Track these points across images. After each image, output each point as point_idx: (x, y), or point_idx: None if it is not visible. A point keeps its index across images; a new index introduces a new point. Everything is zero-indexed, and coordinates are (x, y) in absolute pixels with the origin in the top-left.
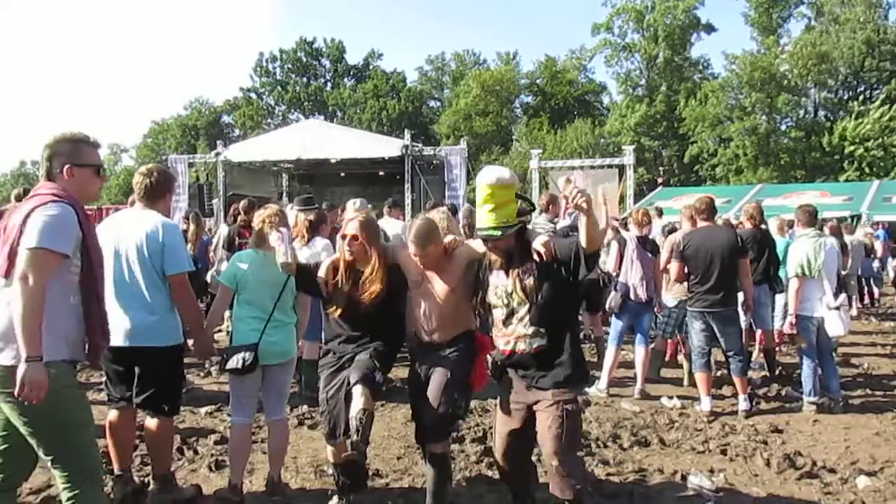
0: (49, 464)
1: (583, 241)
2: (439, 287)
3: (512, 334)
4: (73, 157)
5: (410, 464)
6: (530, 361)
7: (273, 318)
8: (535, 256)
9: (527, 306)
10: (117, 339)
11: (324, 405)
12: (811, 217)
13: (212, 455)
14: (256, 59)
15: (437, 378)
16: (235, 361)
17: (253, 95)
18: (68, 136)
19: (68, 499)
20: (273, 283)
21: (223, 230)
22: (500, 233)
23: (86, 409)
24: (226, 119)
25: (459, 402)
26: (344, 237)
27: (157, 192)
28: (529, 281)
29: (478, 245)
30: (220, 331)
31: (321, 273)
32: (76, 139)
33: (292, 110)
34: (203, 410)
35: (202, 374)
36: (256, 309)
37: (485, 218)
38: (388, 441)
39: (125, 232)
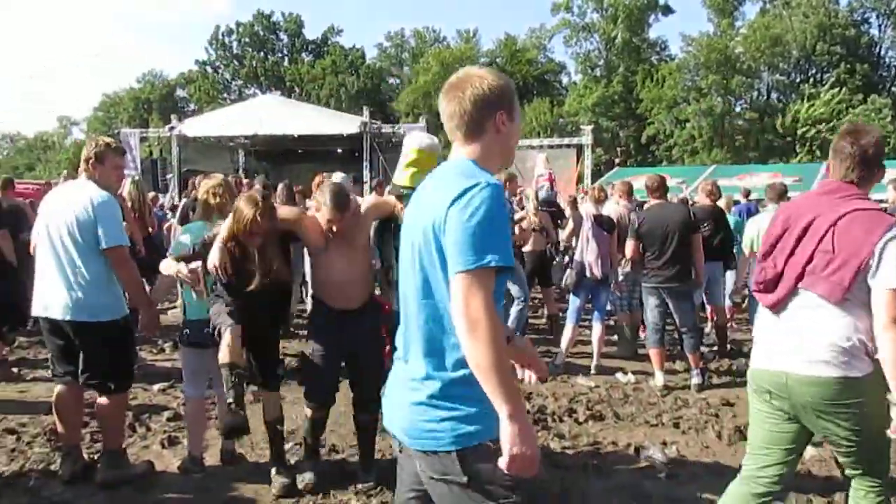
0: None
1: None
2: (350, 251)
3: None
4: None
5: None
6: None
7: None
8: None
9: None
10: (55, 312)
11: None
12: (777, 194)
13: (164, 432)
14: (212, 32)
15: (370, 362)
16: (203, 334)
17: (208, 69)
18: None
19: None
20: None
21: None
22: None
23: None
24: (180, 93)
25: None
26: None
27: (96, 161)
28: None
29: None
30: (174, 306)
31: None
32: None
33: (249, 85)
34: (156, 387)
35: (155, 350)
36: (209, 281)
37: (407, 178)
38: (347, 418)
39: (60, 204)
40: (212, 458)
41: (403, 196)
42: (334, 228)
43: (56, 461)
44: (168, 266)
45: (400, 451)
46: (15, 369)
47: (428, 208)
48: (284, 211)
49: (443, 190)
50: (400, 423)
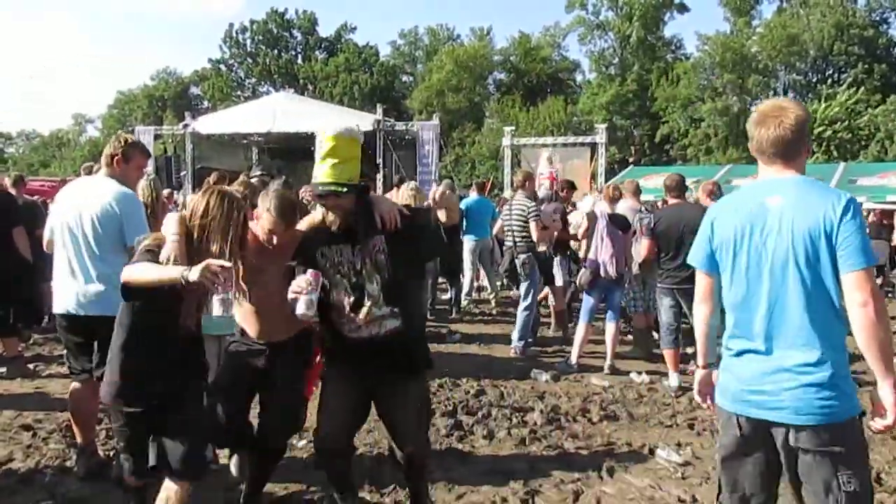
0: None
1: (442, 217)
2: (280, 273)
3: (364, 318)
4: None
5: (380, 437)
6: (381, 345)
7: None
8: (381, 225)
9: (378, 284)
10: (74, 307)
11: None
12: None
13: None
14: (226, 30)
15: (283, 397)
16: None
17: (222, 67)
18: None
19: None
20: None
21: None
22: (345, 189)
23: None
24: (194, 90)
25: (301, 417)
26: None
27: (122, 159)
28: (381, 256)
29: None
30: None
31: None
32: None
33: (262, 83)
34: None
35: None
36: None
37: (326, 172)
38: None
39: (80, 200)
40: (226, 455)
41: (330, 194)
42: (274, 240)
43: (71, 457)
44: (154, 270)
45: (741, 436)
46: (31, 366)
47: (797, 216)
48: None
49: (813, 201)
50: (788, 404)
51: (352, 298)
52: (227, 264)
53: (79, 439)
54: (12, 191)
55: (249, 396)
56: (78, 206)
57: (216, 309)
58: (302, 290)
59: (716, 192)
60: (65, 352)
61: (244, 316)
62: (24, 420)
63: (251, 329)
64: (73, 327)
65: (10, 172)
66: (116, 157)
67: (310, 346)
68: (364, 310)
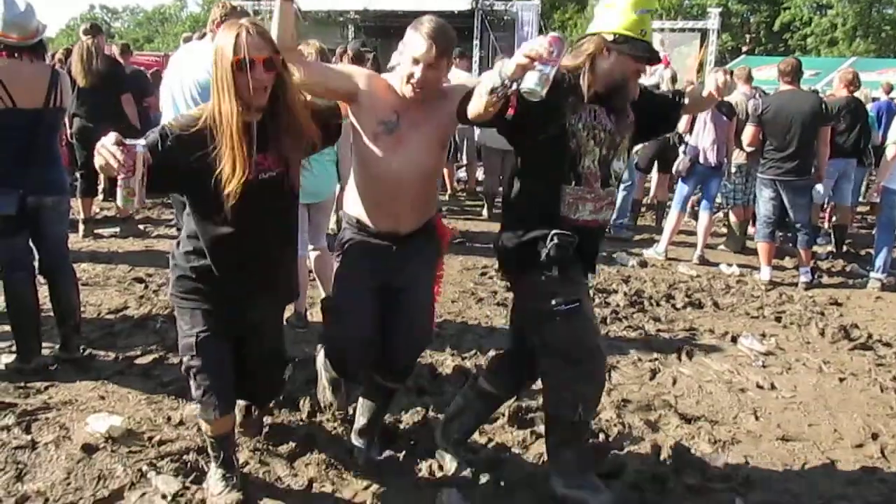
0: None
1: (688, 104)
2: (424, 139)
3: (605, 199)
4: None
5: (464, 307)
6: (596, 242)
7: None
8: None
9: (623, 163)
10: None
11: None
12: None
13: None
14: None
15: (418, 300)
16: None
17: None
18: None
19: None
20: None
21: None
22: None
23: None
24: None
25: (431, 330)
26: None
27: (221, 23)
28: (628, 136)
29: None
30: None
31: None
32: None
33: None
34: None
35: None
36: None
37: (632, 21)
38: (444, 287)
39: (185, 65)
40: (317, 315)
41: (651, 58)
42: (416, 75)
43: None
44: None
45: None
46: (141, 226)
47: None
48: (339, 68)
49: None
50: None
51: (599, 172)
52: (134, 142)
53: None
54: (120, 59)
55: (375, 303)
56: (182, 72)
57: (118, 198)
58: (539, 56)
59: (855, 84)
60: (175, 212)
61: (366, 194)
62: (136, 273)
63: (372, 213)
64: None
65: (117, 41)
66: (216, 21)
67: (436, 249)
68: (607, 189)
